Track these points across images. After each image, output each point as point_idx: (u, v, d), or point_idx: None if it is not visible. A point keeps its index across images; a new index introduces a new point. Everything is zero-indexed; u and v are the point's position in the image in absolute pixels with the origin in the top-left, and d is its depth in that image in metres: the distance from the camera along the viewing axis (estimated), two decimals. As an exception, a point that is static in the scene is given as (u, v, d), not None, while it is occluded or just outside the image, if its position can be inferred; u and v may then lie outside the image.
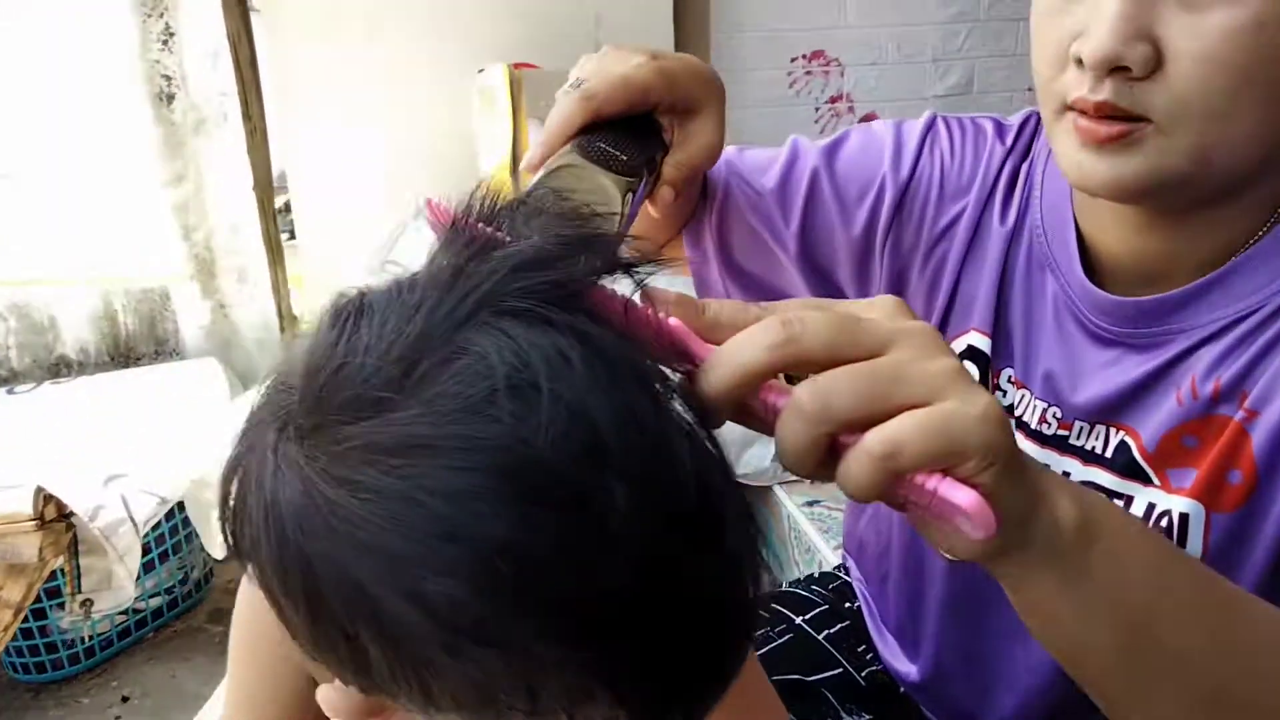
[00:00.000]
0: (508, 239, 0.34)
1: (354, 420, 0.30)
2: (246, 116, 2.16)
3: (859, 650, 0.92)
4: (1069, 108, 0.57)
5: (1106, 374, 0.65)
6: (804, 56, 2.51)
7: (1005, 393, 0.71)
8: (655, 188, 0.61)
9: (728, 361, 0.35)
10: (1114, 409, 0.65)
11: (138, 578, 1.68)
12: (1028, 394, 0.70)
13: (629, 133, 0.54)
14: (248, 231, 2.22)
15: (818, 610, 0.95)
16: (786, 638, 0.91)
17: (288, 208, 2.58)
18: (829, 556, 1.62)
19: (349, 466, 0.30)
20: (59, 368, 2.23)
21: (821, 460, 0.35)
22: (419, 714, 0.33)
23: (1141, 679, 0.41)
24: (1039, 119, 0.73)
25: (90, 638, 1.81)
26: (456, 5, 2.23)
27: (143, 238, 2.19)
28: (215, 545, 1.83)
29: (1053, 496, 0.39)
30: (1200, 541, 0.61)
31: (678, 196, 0.61)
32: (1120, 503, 0.65)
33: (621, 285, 0.34)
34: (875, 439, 0.34)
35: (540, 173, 0.50)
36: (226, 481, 0.35)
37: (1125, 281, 0.65)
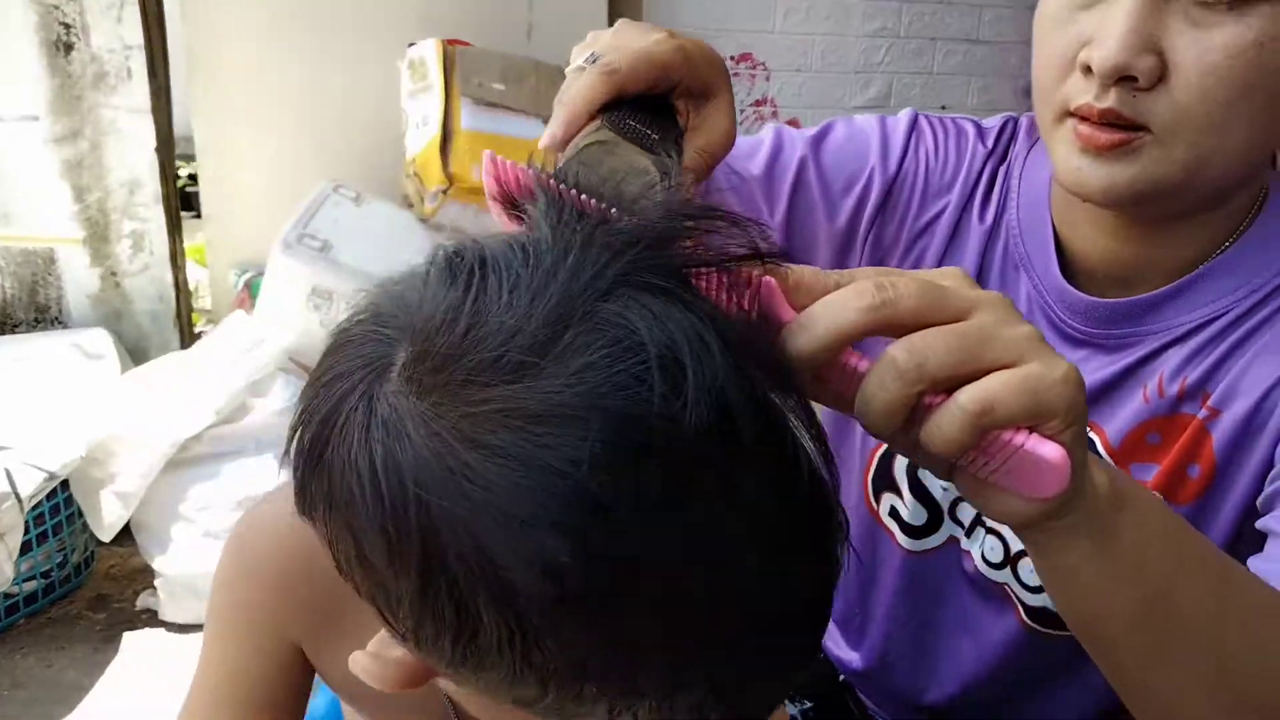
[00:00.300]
0: (613, 210, 0.33)
1: (494, 382, 0.29)
2: (152, 75, 2.04)
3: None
4: (1070, 113, 0.59)
5: None
6: (733, 58, 2.54)
7: None
8: None
9: (822, 321, 0.35)
10: None
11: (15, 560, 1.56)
12: None
13: (650, 113, 0.51)
14: (146, 196, 2.09)
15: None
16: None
17: (193, 179, 2.44)
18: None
19: (486, 429, 0.28)
20: (-74, 330, 2.05)
21: (905, 418, 0.36)
22: (494, 688, 0.32)
23: (1155, 644, 0.43)
24: (1016, 125, 0.76)
25: (-45, 624, 1.67)
26: (385, -24, 2.16)
27: (27, 195, 2.04)
28: (101, 526, 1.72)
29: (1090, 463, 0.41)
30: None
31: (698, 183, 0.60)
32: None
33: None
34: (969, 396, 0.35)
35: (570, 149, 0.47)
36: (303, 429, 0.33)
37: (1099, 283, 0.67)
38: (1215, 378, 0.63)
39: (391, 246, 1.87)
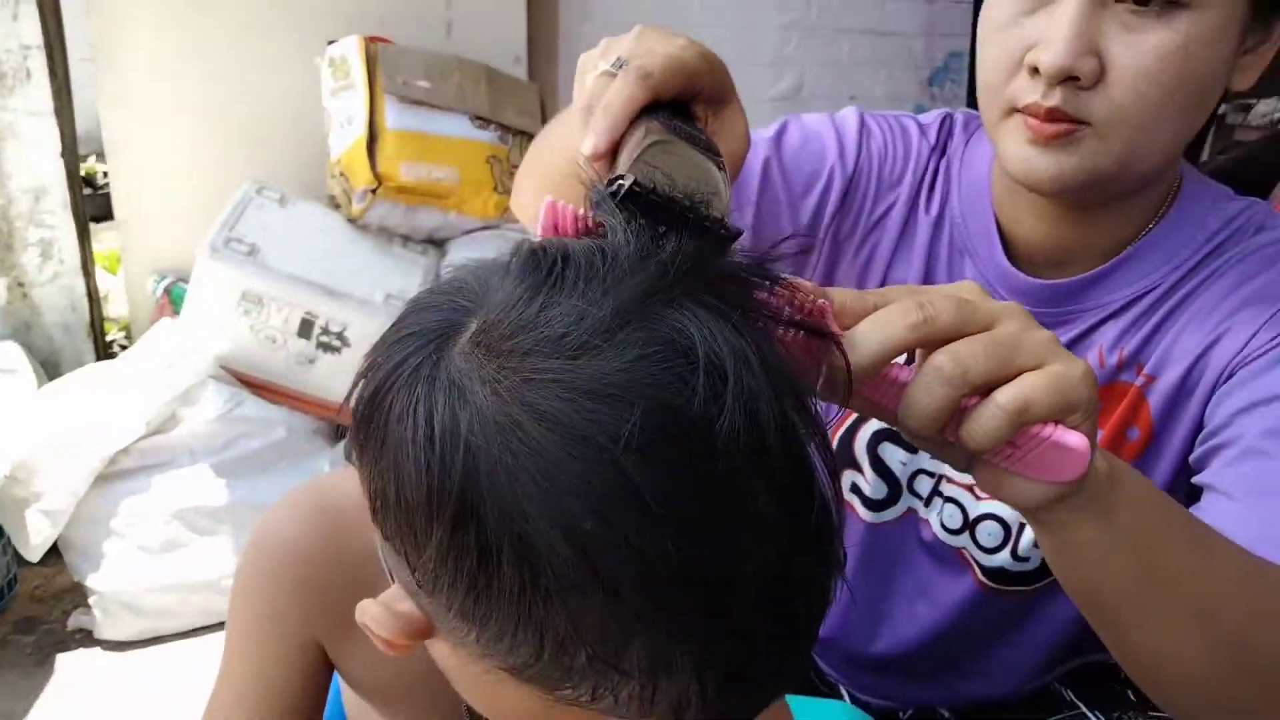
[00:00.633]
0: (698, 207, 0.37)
1: (556, 355, 0.32)
2: (53, 74, 1.95)
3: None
4: (1017, 110, 0.64)
5: None
6: (650, 51, 2.57)
7: None
8: None
9: (873, 338, 0.40)
10: None
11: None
12: None
13: (683, 117, 0.51)
14: (53, 202, 2.00)
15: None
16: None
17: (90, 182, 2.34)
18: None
19: (542, 395, 0.31)
20: None
21: (948, 419, 0.41)
22: (490, 645, 0.34)
23: (1145, 603, 0.48)
24: (952, 121, 0.81)
25: None
26: (298, -29, 2.12)
27: (-78, 204, 1.93)
28: (27, 546, 1.65)
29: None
30: None
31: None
32: None
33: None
34: (1008, 396, 0.40)
35: (625, 153, 0.47)
36: (370, 375, 0.35)
37: (1038, 267, 0.73)
38: (1149, 348, 0.70)
39: (321, 248, 1.84)
